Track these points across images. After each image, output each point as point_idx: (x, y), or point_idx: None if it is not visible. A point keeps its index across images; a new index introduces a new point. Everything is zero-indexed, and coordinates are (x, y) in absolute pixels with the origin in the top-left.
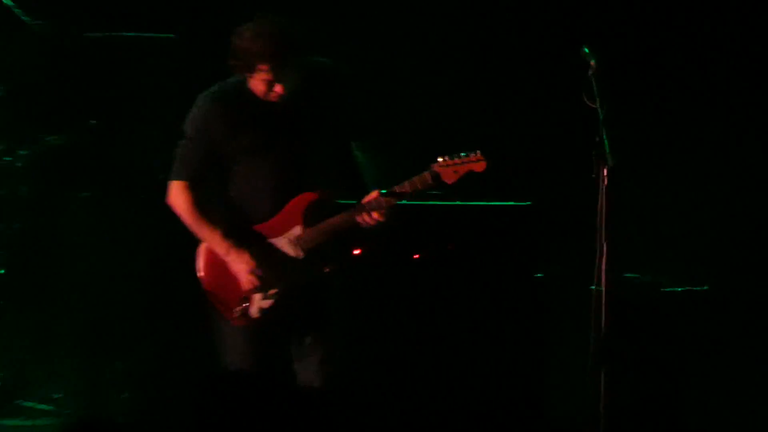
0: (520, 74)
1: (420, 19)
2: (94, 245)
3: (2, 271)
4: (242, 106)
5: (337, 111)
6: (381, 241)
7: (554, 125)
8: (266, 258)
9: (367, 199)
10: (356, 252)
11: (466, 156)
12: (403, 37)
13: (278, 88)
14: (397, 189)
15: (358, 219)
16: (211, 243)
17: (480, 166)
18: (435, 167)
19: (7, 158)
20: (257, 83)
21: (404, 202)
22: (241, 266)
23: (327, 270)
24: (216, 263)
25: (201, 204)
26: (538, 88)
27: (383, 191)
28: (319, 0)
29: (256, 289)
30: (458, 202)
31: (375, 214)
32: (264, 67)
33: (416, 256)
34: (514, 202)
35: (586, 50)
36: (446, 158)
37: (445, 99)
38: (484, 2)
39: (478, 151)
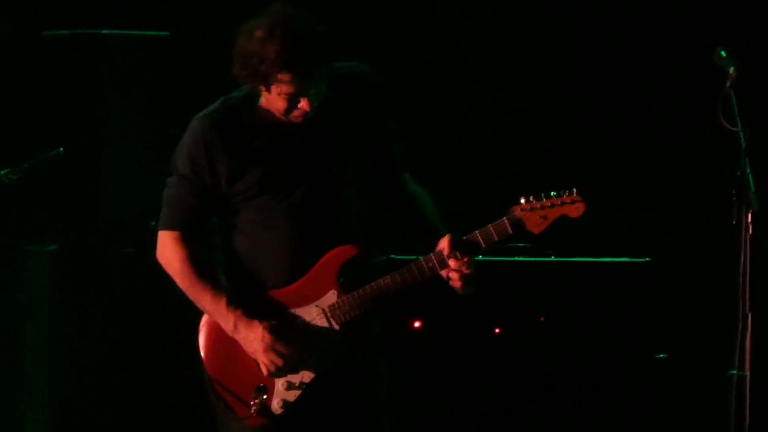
0: (629, 86)
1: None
2: (61, 315)
3: None
4: (252, 129)
5: (376, 130)
6: (447, 311)
7: (678, 155)
8: (290, 334)
9: (441, 246)
10: (416, 325)
11: (558, 196)
12: (467, 37)
13: (303, 104)
14: (468, 238)
15: (427, 273)
16: (213, 314)
17: (577, 210)
18: (516, 211)
19: None
20: (274, 99)
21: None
22: (255, 345)
23: (375, 348)
24: (224, 341)
25: (199, 261)
26: (653, 105)
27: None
28: None
29: (278, 375)
30: (551, 258)
31: (463, 266)
32: (285, 77)
33: (497, 330)
34: (627, 258)
35: (723, 54)
36: (531, 199)
37: (522, 115)
38: None
39: (575, 190)
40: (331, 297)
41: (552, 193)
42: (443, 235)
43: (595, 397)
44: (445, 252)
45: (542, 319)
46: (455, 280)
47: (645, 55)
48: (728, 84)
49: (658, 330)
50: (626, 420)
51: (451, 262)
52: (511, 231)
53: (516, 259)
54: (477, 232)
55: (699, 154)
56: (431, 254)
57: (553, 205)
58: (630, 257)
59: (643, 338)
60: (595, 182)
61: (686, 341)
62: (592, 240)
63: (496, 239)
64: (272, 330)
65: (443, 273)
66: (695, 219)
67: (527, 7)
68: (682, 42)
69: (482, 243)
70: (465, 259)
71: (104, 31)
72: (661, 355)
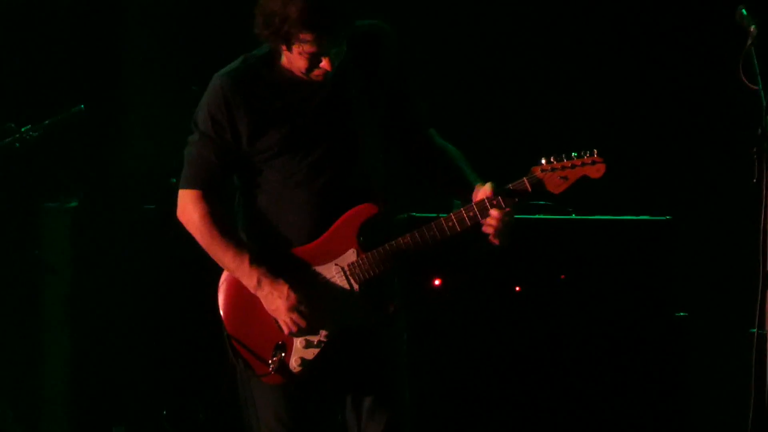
0: (649, 45)
1: None
2: (84, 271)
3: None
4: (273, 87)
5: (397, 87)
6: (468, 268)
7: (698, 114)
8: (310, 292)
9: (481, 195)
10: (436, 283)
11: (578, 157)
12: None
13: (325, 64)
14: (486, 202)
15: (468, 223)
16: (236, 272)
17: (598, 171)
18: (537, 172)
19: None
20: (295, 58)
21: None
22: (277, 303)
23: (392, 308)
24: (243, 299)
25: (221, 220)
26: (673, 64)
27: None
28: None
29: (297, 334)
30: (572, 216)
31: (496, 220)
32: (307, 37)
33: (518, 288)
34: (647, 216)
35: (744, 13)
36: (552, 159)
37: (542, 76)
38: None
39: (595, 151)
40: (350, 255)
41: (573, 154)
42: (480, 185)
43: (615, 356)
44: (487, 201)
45: (563, 277)
46: (496, 228)
47: (666, 15)
48: (749, 42)
49: (679, 288)
50: (647, 378)
51: (493, 212)
52: (530, 190)
53: (536, 216)
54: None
55: (720, 112)
56: (472, 204)
57: (573, 166)
58: (650, 215)
59: (664, 296)
60: (616, 140)
61: (707, 299)
62: (612, 198)
63: (516, 199)
64: (296, 289)
65: (484, 222)
66: (716, 177)
67: None
68: (702, 0)
69: (527, 189)
70: (508, 209)
71: None
72: (682, 314)
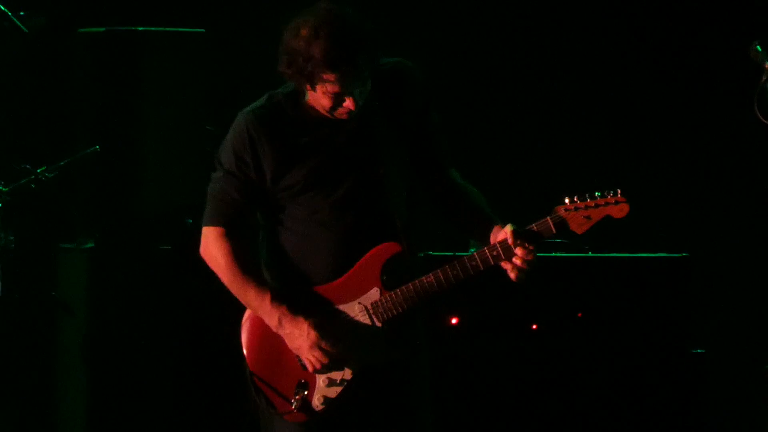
0: (666, 82)
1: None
2: (100, 311)
3: None
4: (298, 124)
5: (421, 125)
6: (484, 306)
7: (715, 150)
8: (333, 331)
9: (502, 236)
10: (453, 321)
11: (602, 197)
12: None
13: (348, 103)
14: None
15: (488, 263)
16: (257, 310)
17: (621, 211)
18: (560, 211)
19: None
20: (319, 97)
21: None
22: (299, 342)
23: (415, 347)
24: (266, 337)
25: (243, 257)
26: (690, 102)
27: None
28: None
29: (320, 372)
30: (588, 254)
31: (520, 260)
32: (330, 77)
33: (534, 326)
34: (665, 253)
35: (759, 49)
36: (575, 199)
37: (558, 113)
38: None
39: (618, 191)
40: (374, 294)
41: (596, 194)
42: (500, 226)
43: (632, 392)
44: (510, 241)
45: (579, 315)
46: (520, 268)
47: (681, 51)
48: (764, 78)
49: (696, 325)
50: (664, 414)
51: (518, 251)
52: (554, 230)
53: (553, 254)
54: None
55: (736, 149)
56: (496, 243)
57: (597, 205)
58: (668, 252)
59: (681, 333)
60: (632, 177)
61: (723, 336)
62: (628, 235)
63: (540, 238)
64: (317, 327)
65: (504, 263)
66: (733, 214)
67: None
68: (718, 37)
69: (541, 234)
70: (531, 247)
71: (140, 28)
72: (699, 350)
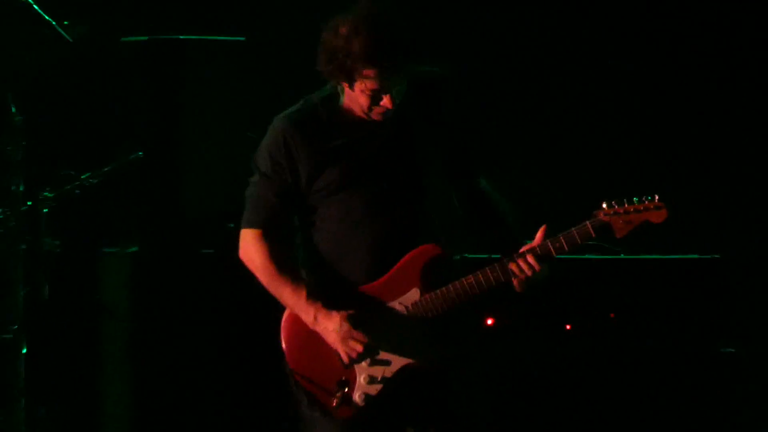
0: (698, 85)
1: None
2: (144, 314)
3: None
4: (333, 127)
5: (455, 134)
6: (519, 307)
7: (746, 152)
8: (372, 328)
9: (523, 250)
10: (489, 322)
11: (640, 202)
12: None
13: (386, 101)
14: (549, 244)
15: (510, 277)
16: (294, 308)
17: (659, 216)
18: (600, 215)
19: (29, 202)
20: (357, 95)
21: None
22: (334, 335)
23: (462, 346)
24: (305, 335)
25: (280, 258)
26: (724, 101)
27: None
28: None
29: (359, 365)
30: (621, 256)
31: (529, 270)
32: (369, 72)
33: (568, 327)
34: (696, 255)
35: None
36: (614, 204)
37: (596, 120)
38: None
39: (656, 196)
40: (413, 294)
41: (635, 199)
42: (520, 243)
43: (663, 390)
44: (552, 242)
45: (612, 315)
46: (521, 281)
47: (713, 53)
48: None
49: (726, 325)
50: (695, 411)
51: (524, 267)
52: (594, 235)
53: (586, 256)
54: (560, 236)
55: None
56: (536, 246)
57: (636, 211)
58: (699, 254)
59: (711, 333)
60: (664, 181)
61: (755, 336)
62: (660, 238)
63: (579, 242)
64: (349, 319)
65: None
66: (764, 216)
67: (609, 11)
68: (753, 36)
69: (565, 245)
70: (537, 268)
71: (182, 37)
72: (729, 349)
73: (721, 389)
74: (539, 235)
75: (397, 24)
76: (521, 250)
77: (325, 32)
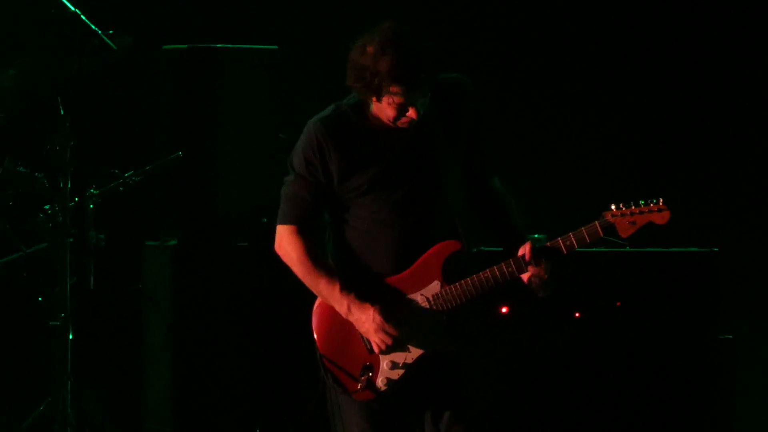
0: (696, 80)
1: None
2: (183, 303)
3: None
4: (362, 133)
5: (472, 135)
6: (531, 297)
7: (743, 147)
8: (398, 318)
9: (522, 251)
10: (503, 310)
11: (645, 204)
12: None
13: (411, 113)
14: (560, 242)
15: (520, 275)
16: (328, 299)
17: (662, 218)
18: (608, 216)
19: (76, 198)
20: (384, 107)
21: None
22: (367, 326)
23: (472, 335)
24: (335, 323)
25: (314, 252)
26: (723, 96)
27: (537, 243)
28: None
29: (385, 355)
30: (627, 249)
31: (541, 271)
32: (396, 89)
33: (577, 314)
34: (695, 248)
35: None
36: (621, 206)
37: (596, 119)
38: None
39: (660, 199)
40: (435, 287)
41: (640, 202)
42: (524, 241)
43: (665, 375)
44: (527, 257)
45: (618, 304)
46: (533, 283)
47: (713, 51)
48: None
49: (724, 313)
50: (694, 396)
51: (530, 268)
52: (602, 234)
53: (595, 249)
54: (570, 234)
55: (765, 145)
56: (511, 259)
57: (641, 212)
58: (698, 247)
59: (710, 321)
60: (664, 177)
61: (751, 323)
62: (662, 232)
63: (588, 241)
64: (383, 312)
65: (523, 276)
66: (761, 211)
67: (614, 9)
68: (750, 34)
69: (564, 250)
70: (542, 265)
71: (219, 45)
72: (727, 336)
73: (719, 373)
74: (527, 250)
75: (420, 43)
76: (530, 248)
77: (353, 52)
